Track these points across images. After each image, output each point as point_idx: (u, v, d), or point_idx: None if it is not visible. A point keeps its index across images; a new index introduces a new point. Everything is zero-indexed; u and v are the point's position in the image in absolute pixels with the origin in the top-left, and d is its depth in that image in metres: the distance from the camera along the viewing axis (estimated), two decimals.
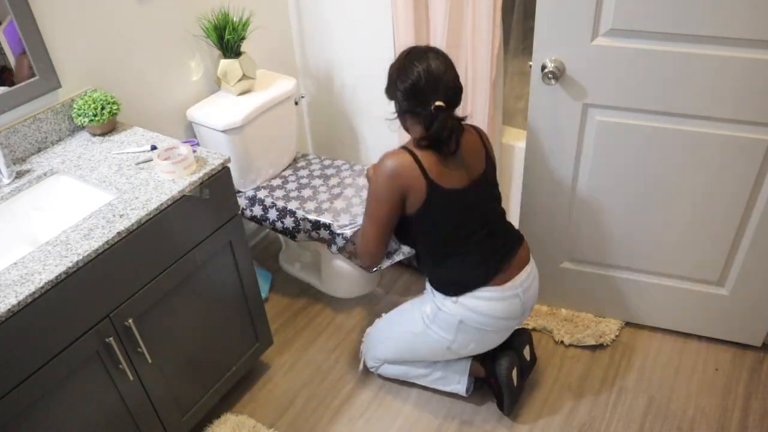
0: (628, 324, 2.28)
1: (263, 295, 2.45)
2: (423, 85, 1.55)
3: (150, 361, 1.61)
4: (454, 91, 1.58)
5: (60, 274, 1.33)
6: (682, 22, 1.59)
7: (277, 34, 2.47)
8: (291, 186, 2.29)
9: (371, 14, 2.29)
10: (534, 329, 2.27)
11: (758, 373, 2.08)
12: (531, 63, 1.81)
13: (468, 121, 1.81)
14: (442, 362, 1.98)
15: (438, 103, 1.53)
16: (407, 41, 2.14)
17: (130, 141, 1.78)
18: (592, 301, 2.26)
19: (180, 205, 1.57)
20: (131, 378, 1.57)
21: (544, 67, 1.77)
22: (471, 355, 1.94)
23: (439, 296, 1.78)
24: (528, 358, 1.98)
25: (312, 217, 2.14)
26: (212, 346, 1.86)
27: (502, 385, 1.89)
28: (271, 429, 1.98)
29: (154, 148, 1.72)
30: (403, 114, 1.65)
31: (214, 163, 1.64)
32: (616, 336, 2.22)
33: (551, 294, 2.30)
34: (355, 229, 2.09)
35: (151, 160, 1.68)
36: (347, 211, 2.15)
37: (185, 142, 1.71)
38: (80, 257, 1.36)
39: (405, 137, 1.79)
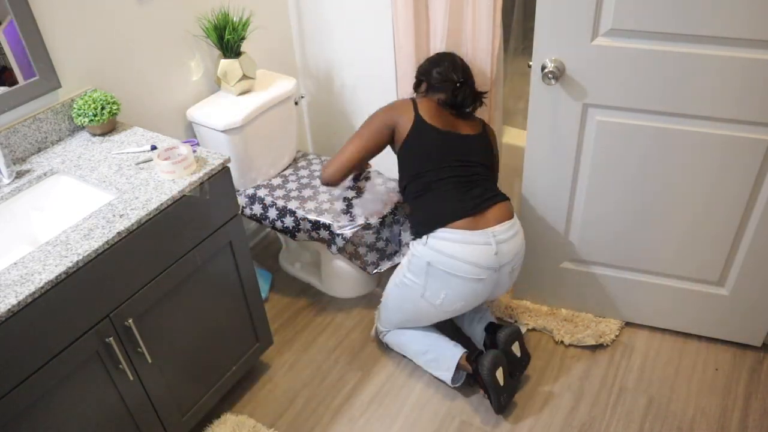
0: (628, 324, 2.28)
1: (263, 295, 2.45)
2: (450, 68, 1.99)
3: (150, 361, 1.61)
4: (469, 74, 2.02)
5: (60, 274, 1.33)
6: (682, 22, 1.59)
7: (277, 34, 2.47)
8: (292, 186, 2.29)
9: (371, 14, 2.29)
10: (534, 329, 2.27)
11: (758, 373, 2.08)
12: (531, 63, 1.81)
13: None
14: (437, 346, 2.03)
15: (461, 79, 1.97)
16: (407, 41, 2.15)
17: (130, 141, 1.79)
18: (592, 301, 2.26)
19: (180, 205, 1.57)
20: (131, 378, 1.57)
21: (544, 67, 1.77)
22: (458, 314, 2.04)
23: (414, 244, 1.91)
24: (519, 354, 1.98)
25: (312, 217, 2.14)
26: (212, 346, 1.86)
27: (486, 384, 1.90)
28: (271, 429, 1.98)
29: (154, 148, 1.72)
30: (429, 89, 2.02)
31: (214, 163, 1.64)
32: (616, 336, 2.22)
33: (551, 294, 2.30)
34: (356, 230, 2.09)
35: (151, 160, 1.68)
36: (347, 211, 2.15)
37: (185, 142, 1.71)
38: (80, 257, 1.36)
39: None
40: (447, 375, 2.01)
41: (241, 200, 2.26)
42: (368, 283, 2.47)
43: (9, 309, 1.25)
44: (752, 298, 2.02)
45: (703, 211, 1.90)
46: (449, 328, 2.22)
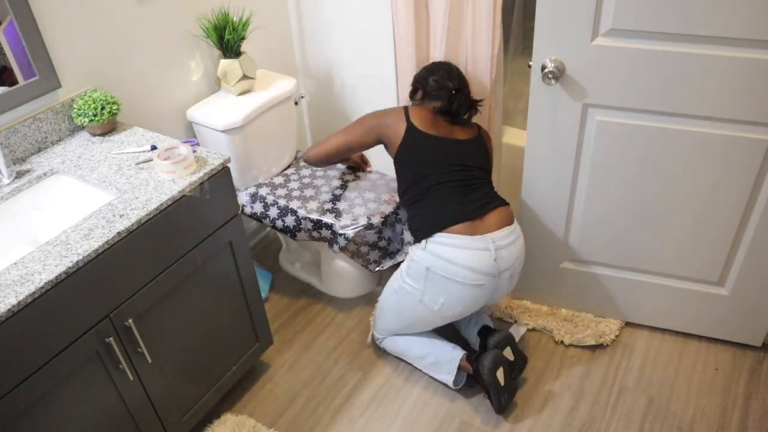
0: (628, 324, 2.28)
1: (263, 295, 2.45)
2: (446, 76, 2.00)
3: (150, 361, 1.61)
4: (464, 83, 2.03)
5: (60, 274, 1.33)
6: (682, 22, 1.59)
7: (277, 34, 2.47)
8: (293, 185, 2.29)
9: (371, 14, 2.29)
10: (534, 329, 2.27)
11: (758, 373, 2.08)
12: (531, 63, 1.81)
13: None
14: (436, 349, 2.02)
15: (457, 87, 1.98)
16: (407, 41, 2.15)
17: (130, 141, 1.79)
18: (592, 301, 2.26)
19: (180, 205, 1.57)
20: (131, 378, 1.57)
21: (544, 67, 1.77)
22: (456, 320, 2.04)
23: (413, 249, 1.91)
24: (512, 358, 1.98)
25: (314, 216, 2.14)
26: (212, 346, 1.86)
27: (487, 384, 1.90)
28: (271, 429, 1.99)
29: (154, 148, 1.72)
30: (424, 97, 2.03)
31: (214, 163, 1.64)
32: (616, 336, 2.22)
33: (551, 294, 2.30)
34: (357, 229, 2.09)
35: (151, 160, 1.68)
36: (349, 211, 2.15)
37: (185, 142, 1.71)
38: (80, 257, 1.36)
39: None
40: (449, 378, 2.01)
41: (242, 198, 2.26)
42: (368, 282, 2.47)
43: (9, 309, 1.25)
44: (752, 298, 2.02)
45: (703, 211, 1.90)
46: (447, 329, 2.22)
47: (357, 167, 2.38)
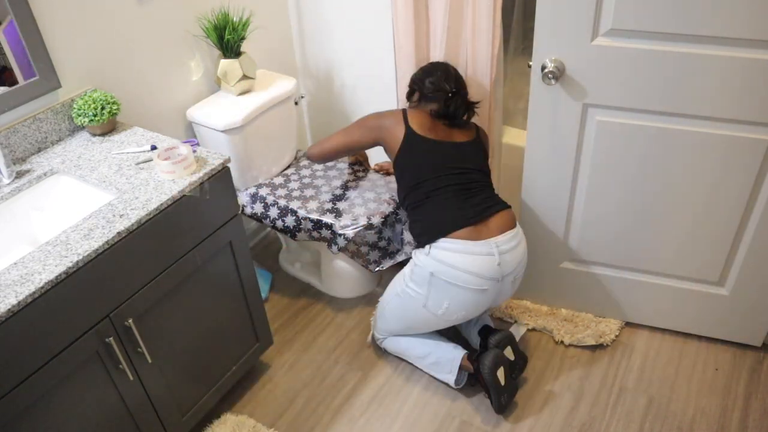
0: (628, 324, 2.28)
1: (263, 295, 2.45)
2: (443, 77, 1.99)
3: (150, 361, 1.61)
4: (462, 84, 2.02)
5: (60, 274, 1.33)
6: (682, 22, 1.59)
7: (277, 34, 2.47)
8: (294, 185, 2.29)
9: (371, 14, 2.29)
10: (534, 329, 2.27)
11: (758, 373, 2.08)
12: (531, 63, 1.81)
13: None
14: (438, 349, 2.02)
15: (453, 89, 1.96)
16: (407, 41, 2.15)
17: (130, 141, 1.78)
18: (592, 301, 2.26)
19: (180, 205, 1.57)
20: (131, 378, 1.57)
21: (544, 67, 1.77)
22: (459, 323, 2.03)
23: (416, 253, 1.90)
24: (512, 358, 1.98)
25: (314, 216, 2.14)
26: (212, 346, 1.86)
27: (487, 383, 1.90)
28: (271, 429, 1.98)
29: (154, 148, 1.72)
30: (421, 99, 2.02)
31: (214, 163, 1.64)
32: (616, 336, 2.22)
33: (551, 294, 2.30)
34: (357, 230, 2.09)
35: (151, 160, 1.68)
36: (349, 211, 2.15)
37: (185, 142, 1.71)
38: (80, 257, 1.36)
39: None
40: (450, 378, 2.00)
41: (243, 199, 2.26)
42: (368, 282, 2.47)
43: (9, 309, 1.25)
44: (752, 298, 2.02)
45: (703, 211, 1.90)
46: (447, 329, 2.22)
47: (361, 162, 2.39)
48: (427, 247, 1.84)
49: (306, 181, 2.31)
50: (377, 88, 2.46)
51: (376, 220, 2.12)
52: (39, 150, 1.75)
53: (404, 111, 1.98)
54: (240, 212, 1.80)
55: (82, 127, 1.84)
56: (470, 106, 1.99)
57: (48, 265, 1.34)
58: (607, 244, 2.09)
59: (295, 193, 2.24)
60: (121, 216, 1.47)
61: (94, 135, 1.81)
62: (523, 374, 2.10)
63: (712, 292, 2.07)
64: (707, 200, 1.87)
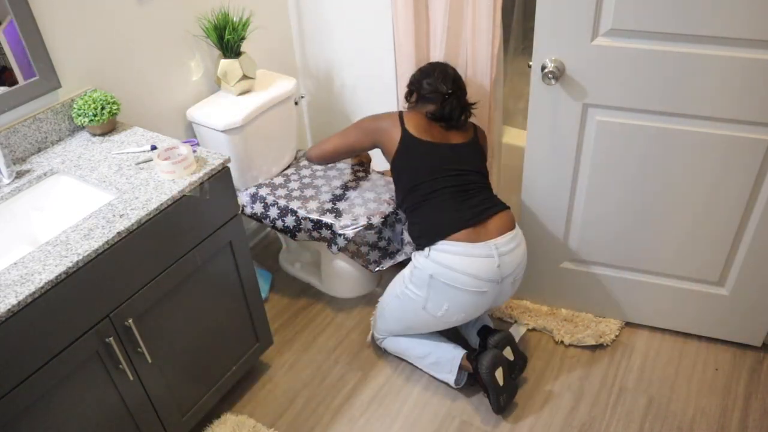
0: (628, 324, 2.28)
1: (263, 295, 2.45)
2: (440, 78, 1.98)
3: (150, 361, 1.61)
4: (459, 85, 2.00)
5: (60, 274, 1.33)
6: (682, 22, 1.59)
7: (277, 34, 2.47)
8: (293, 185, 2.29)
9: (371, 14, 2.29)
10: (534, 329, 2.27)
11: (758, 373, 2.08)
12: (531, 63, 1.80)
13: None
14: (437, 348, 2.02)
15: (450, 90, 1.95)
16: (407, 41, 2.15)
17: (130, 141, 1.79)
18: (592, 301, 2.26)
19: (180, 205, 1.57)
20: (131, 378, 1.57)
21: (544, 67, 1.77)
22: (458, 325, 2.03)
23: (416, 255, 1.90)
24: (512, 358, 1.98)
25: (314, 216, 2.14)
26: (212, 346, 1.86)
27: (486, 383, 1.90)
28: (271, 429, 1.98)
29: (154, 148, 1.72)
30: (419, 100, 2.02)
31: (214, 163, 1.64)
32: (616, 336, 2.22)
33: (551, 294, 2.30)
34: (357, 230, 2.09)
35: (151, 160, 1.68)
36: (349, 211, 2.15)
37: (185, 142, 1.71)
38: (80, 257, 1.36)
39: None
40: (450, 377, 2.01)
41: (243, 199, 2.26)
42: (368, 282, 2.47)
43: (9, 309, 1.25)
44: (752, 298, 2.02)
45: (703, 211, 1.90)
46: (447, 329, 2.21)
47: (363, 163, 2.39)
48: (427, 249, 1.84)
49: (306, 181, 2.31)
50: (377, 88, 2.46)
51: (376, 220, 2.12)
52: (39, 150, 1.75)
53: (401, 113, 1.98)
54: (240, 212, 1.80)
55: (82, 127, 1.84)
56: (466, 108, 1.99)
57: (48, 265, 1.34)
58: (607, 244, 2.09)
59: (295, 193, 2.24)
60: (121, 216, 1.47)
61: (94, 135, 1.81)
62: (522, 374, 2.10)
63: (712, 292, 2.07)
64: (707, 200, 1.87)
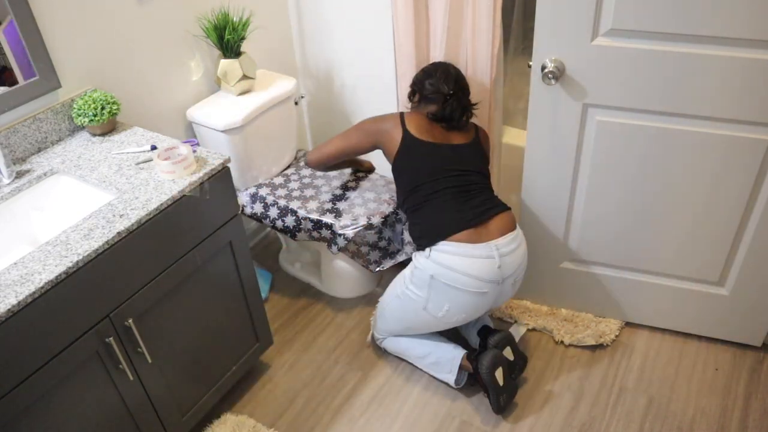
0: (628, 324, 2.28)
1: (263, 295, 2.45)
2: (442, 78, 1.97)
3: (150, 361, 1.61)
4: (462, 86, 1.99)
5: (60, 274, 1.33)
6: (682, 22, 1.59)
7: (277, 34, 2.47)
8: (293, 185, 2.29)
9: (371, 14, 2.29)
10: (534, 329, 2.27)
11: (758, 373, 2.08)
12: (531, 63, 1.81)
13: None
14: (437, 348, 2.02)
15: (451, 91, 1.94)
16: (407, 41, 2.15)
17: (130, 141, 1.79)
18: (592, 301, 2.26)
19: (180, 205, 1.57)
20: (131, 378, 1.57)
21: (544, 67, 1.77)
22: (458, 325, 2.03)
23: (416, 256, 1.90)
24: (512, 358, 1.98)
25: (314, 216, 2.14)
26: (212, 346, 1.86)
27: (486, 383, 1.90)
28: (271, 429, 1.99)
29: (154, 148, 1.72)
30: (421, 100, 2.01)
31: (214, 163, 1.64)
32: (616, 336, 2.22)
33: (551, 294, 2.30)
34: (357, 230, 2.09)
35: (151, 160, 1.68)
36: (349, 211, 2.15)
37: (185, 142, 1.71)
38: (80, 257, 1.36)
39: None
40: (450, 377, 2.01)
41: (243, 199, 2.26)
42: (368, 282, 2.47)
43: (9, 309, 1.25)
44: (752, 298, 2.02)
45: (703, 211, 1.90)
46: (447, 329, 2.22)
47: (365, 170, 2.37)
48: (427, 249, 1.84)
49: (306, 181, 2.31)
50: (377, 88, 2.46)
51: (376, 220, 2.12)
52: (39, 150, 1.75)
53: (402, 114, 1.97)
54: (240, 212, 1.80)
55: (82, 127, 1.84)
56: (467, 108, 1.98)
57: (48, 265, 1.34)
58: (607, 244, 2.09)
59: (295, 193, 2.24)
60: (121, 216, 1.47)
61: (94, 135, 1.81)
62: (522, 374, 2.10)
63: (712, 292, 2.07)
64: (707, 200, 1.87)
